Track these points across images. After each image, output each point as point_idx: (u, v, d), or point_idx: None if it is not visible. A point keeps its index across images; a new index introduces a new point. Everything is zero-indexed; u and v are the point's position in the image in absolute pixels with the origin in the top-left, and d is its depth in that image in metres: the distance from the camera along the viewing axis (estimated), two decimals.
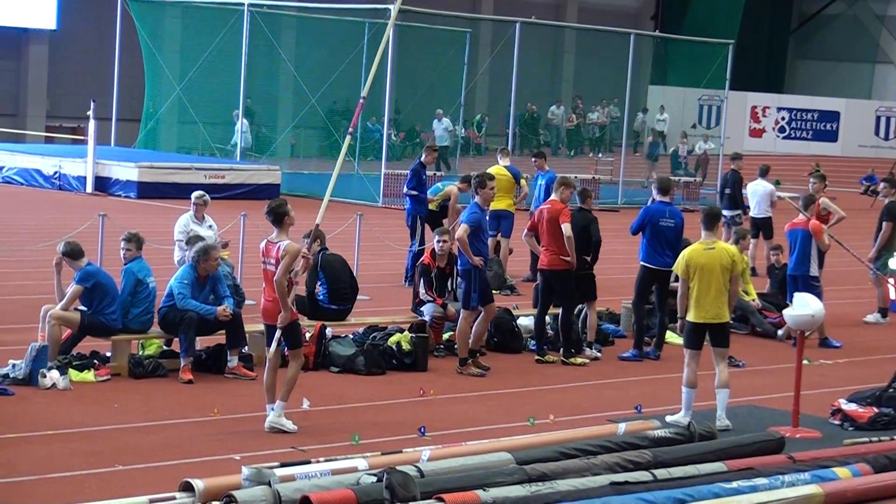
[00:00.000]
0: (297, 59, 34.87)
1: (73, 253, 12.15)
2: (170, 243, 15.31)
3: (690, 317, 11.26)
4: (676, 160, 41.60)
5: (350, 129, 12.81)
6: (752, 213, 20.90)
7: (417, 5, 32.58)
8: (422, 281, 14.06)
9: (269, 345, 10.62)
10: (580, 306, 14.57)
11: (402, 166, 31.83)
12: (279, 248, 10.37)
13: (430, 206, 18.29)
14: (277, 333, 10.44)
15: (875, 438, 10.87)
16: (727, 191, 22.25)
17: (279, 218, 10.48)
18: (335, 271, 13.81)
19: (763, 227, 21.12)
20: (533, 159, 19.81)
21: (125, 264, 12.46)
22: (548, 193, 18.23)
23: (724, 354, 11.39)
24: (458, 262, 13.32)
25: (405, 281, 17.65)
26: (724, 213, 20.57)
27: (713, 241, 11.44)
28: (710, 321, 11.25)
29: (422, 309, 14.04)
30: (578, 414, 11.58)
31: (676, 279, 11.78)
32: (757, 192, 20.91)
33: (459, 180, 18.93)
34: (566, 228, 13.62)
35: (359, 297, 14.38)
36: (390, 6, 29.96)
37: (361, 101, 12.77)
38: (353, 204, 27.27)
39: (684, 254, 11.39)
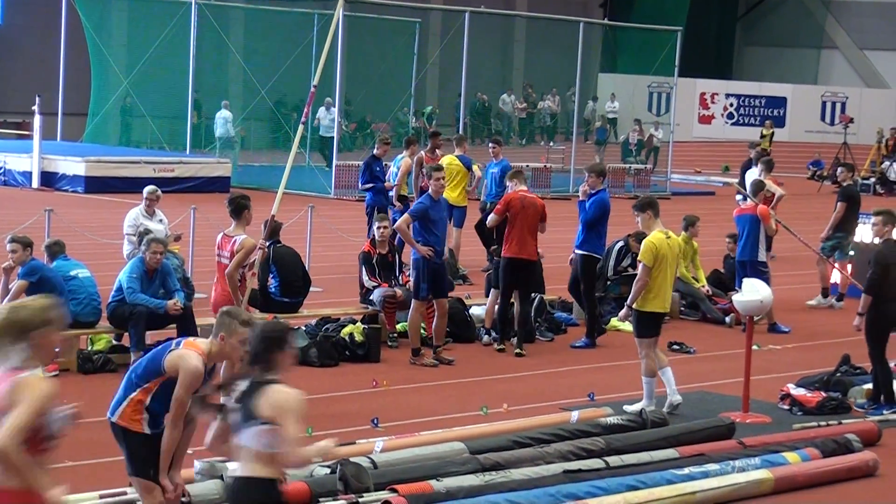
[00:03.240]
0: (245, 51, 34.68)
1: (24, 242, 12.09)
2: (118, 238, 15.20)
3: (649, 307, 11.25)
4: (627, 148, 41.79)
5: (303, 120, 12.73)
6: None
7: None
8: (363, 269, 14.05)
9: None
10: (533, 295, 14.69)
11: (353, 157, 31.80)
12: (235, 241, 10.35)
13: (402, 192, 18.19)
14: None
15: (823, 423, 11.00)
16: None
17: (238, 210, 10.47)
18: (287, 264, 13.77)
19: None
20: (491, 145, 19.65)
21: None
22: (500, 182, 18.28)
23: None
24: (413, 252, 13.32)
25: None
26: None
27: (666, 229, 11.51)
28: (665, 310, 11.33)
29: (371, 298, 14.03)
30: (531, 403, 11.61)
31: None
32: (751, 179, 21.17)
33: (404, 147, 19.01)
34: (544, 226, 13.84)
35: (311, 288, 14.34)
36: None
37: (313, 90, 12.70)
38: (304, 196, 27.17)
39: (653, 242, 11.27)
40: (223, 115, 33.23)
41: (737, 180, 21.80)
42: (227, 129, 33.23)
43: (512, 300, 14.01)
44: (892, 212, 12.06)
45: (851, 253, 17.80)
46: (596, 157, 38.67)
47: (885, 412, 11.48)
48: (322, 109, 33.97)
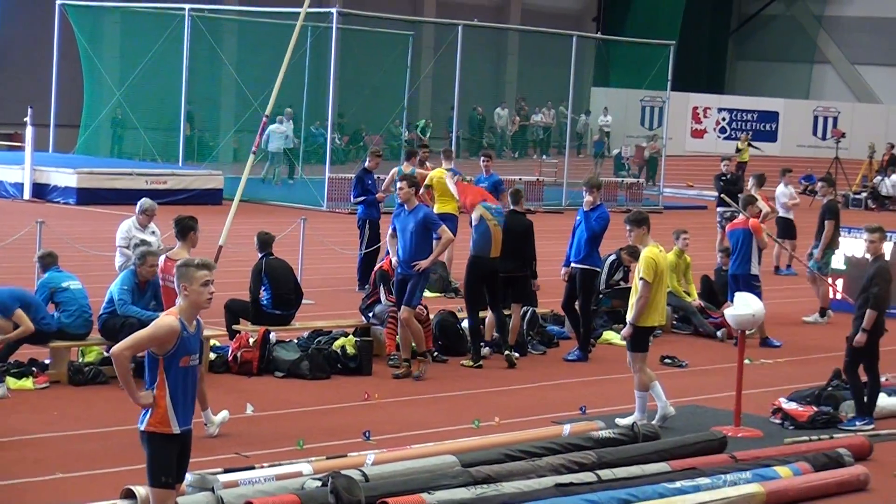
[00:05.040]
0: (238, 63, 34.68)
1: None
2: (111, 249, 15.16)
3: (648, 322, 11.26)
4: (620, 162, 41.86)
5: (253, 150, 12.80)
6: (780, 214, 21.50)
7: (359, 8, 32.54)
8: (382, 286, 14.05)
9: None
10: (525, 308, 14.72)
11: (346, 170, 31.81)
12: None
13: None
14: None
15: (815, 437, 11.01)
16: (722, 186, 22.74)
17: (184, 231, 10.92)
18: (279, 276, 13.76)
19: (785, 227, 21.47)
20: (483, 159, 19.52)
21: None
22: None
23: None
24: None
25: (359, 286, 17.57)
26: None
27: (657, 243, 11.52)
28: (662, 323, 11.39)
29: (370, 314, 14.02)
30: (523, 416, 11.60)
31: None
32: (786, 193, 21.56)
33: (405, 159, 19.05)
34: None
35: (303, 301, 14.34)
36: (332, 10, 29.95)
37: (265, 119, 12.78)
38: (297, 208, 27.18)
39: (652, 258, 11.22)
40: (280, 129, 33.02)
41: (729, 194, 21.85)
42: (281, 143, 33.04)
43: (508, 312, 14.09)
44: (882, 227, 12.09)
45: (843, 267, 17.84)
46: (595, 169, 38.77)
47: (857, 423, 11.52)
48: (286, 120, 33.79)
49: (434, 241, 13.33)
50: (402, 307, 12.98)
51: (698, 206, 35.40)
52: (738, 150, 38.47)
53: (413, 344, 13.09)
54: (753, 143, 40.68)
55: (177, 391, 7.00)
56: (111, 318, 12.10)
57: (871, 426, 11.55)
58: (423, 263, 12.99)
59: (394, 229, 13.34)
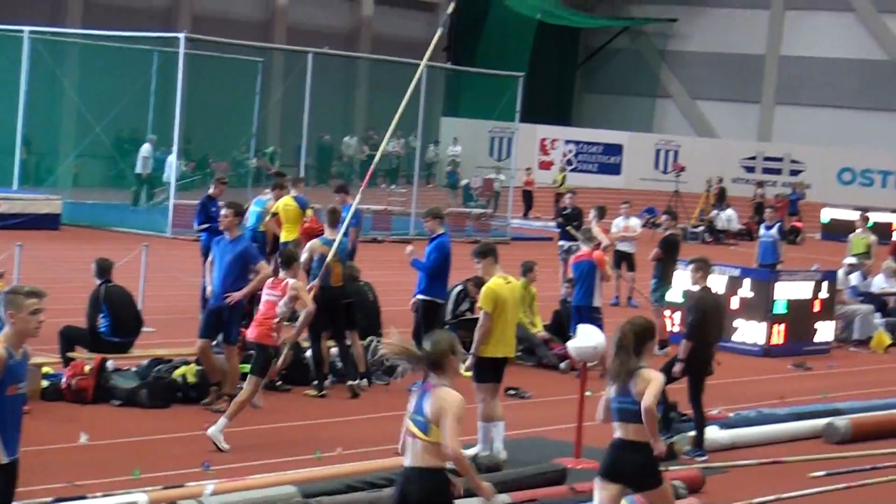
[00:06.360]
0: (80, 86, 33.89)
1: None
2: None
3: (489, 353, 11.29)
4: (468, 192, 42.16)
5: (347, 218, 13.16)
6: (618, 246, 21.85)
7: (208, 34, 32.15)
8: None
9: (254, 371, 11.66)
10: (370, 338, 14.69)
11: (191, 196, 31.30)
12: (286, 283, 12.06)
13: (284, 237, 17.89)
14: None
15: None
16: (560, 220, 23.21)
17: (288, 262, 12.42)
18: (117, 303, 13.47)
19: (620, 259, 21.84)
20: (337, 197, 19.13)
21: None
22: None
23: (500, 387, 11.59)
24: None
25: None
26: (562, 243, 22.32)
27: (505, 275, 11.60)
28: (508, 355, 11.44)
29: (213, 342, 13.79)
30: (366, 446, 11.53)
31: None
32: (619, 225, 22.03)
33: (271, 189, 18.69)
34: None
35: (143, 329, 14.05)
36: (180, 35, 29.51)
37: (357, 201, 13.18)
38: (139, 234, 26.67)
39: (493, 289, 11.30)
40: (169, 159, 31.86)
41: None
42: (172, 173, 31.72)
43: (348, 342, 14.04)
44: (705, 259, 12.45)
45: (682, 300, 18.26)
46: (448, 200, 38.99)
47: (695, 456, 11.77)
48: (147, 146, 33.20)
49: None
50: (224, 344, 12.78)
51: (545, 237, 35.85)
52: (554, 182, 39.26)
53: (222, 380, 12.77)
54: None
55: (3, 421, 6.77)
56: None
57: (705, 458, 11.79)
58: (236, 296, 12.75)
59: (214, 256, 13.16)
